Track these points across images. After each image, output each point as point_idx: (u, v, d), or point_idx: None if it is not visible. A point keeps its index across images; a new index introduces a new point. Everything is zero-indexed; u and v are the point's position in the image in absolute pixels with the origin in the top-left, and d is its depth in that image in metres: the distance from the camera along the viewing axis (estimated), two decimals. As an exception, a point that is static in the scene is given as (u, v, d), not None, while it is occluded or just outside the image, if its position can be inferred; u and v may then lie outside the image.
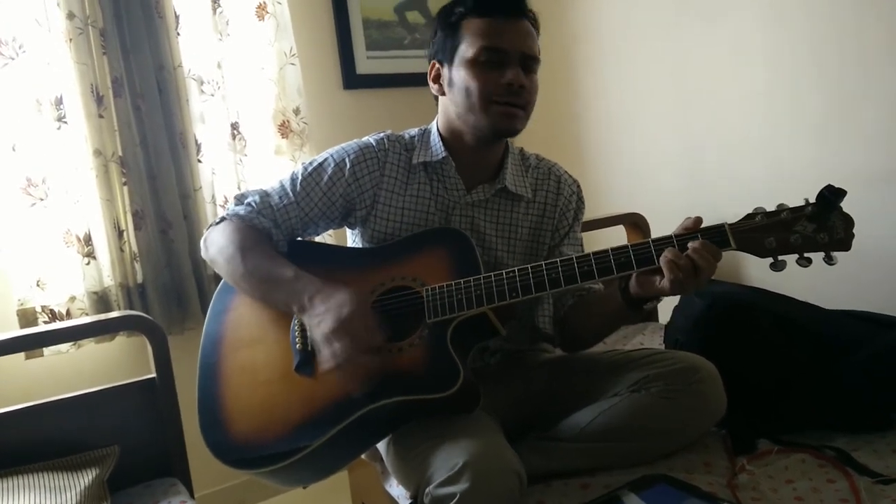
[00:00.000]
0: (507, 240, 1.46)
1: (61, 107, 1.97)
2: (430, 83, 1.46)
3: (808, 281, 1.31)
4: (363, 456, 1.58)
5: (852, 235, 1.13)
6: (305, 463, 1.17)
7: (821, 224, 1.14)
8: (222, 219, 1.41)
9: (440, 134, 1.45)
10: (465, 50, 1.35)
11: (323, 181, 1.42)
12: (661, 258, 1.16)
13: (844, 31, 1.83)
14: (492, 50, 1.33)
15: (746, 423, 1.42)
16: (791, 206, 1.17)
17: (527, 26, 1.37)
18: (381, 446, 1.40)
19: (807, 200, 1.15)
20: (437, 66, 1.43)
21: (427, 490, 1.14)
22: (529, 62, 1.37)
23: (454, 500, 1.08)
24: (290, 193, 1.42)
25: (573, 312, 1.47)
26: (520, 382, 1.49)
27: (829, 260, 1.14)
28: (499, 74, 1.33)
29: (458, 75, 1.37)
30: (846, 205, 1.13)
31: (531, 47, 1.37)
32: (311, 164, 1.45)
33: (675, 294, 1.19)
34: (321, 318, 1.20)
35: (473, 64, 1.34)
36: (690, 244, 1.16)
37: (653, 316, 2.27)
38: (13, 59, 1.91)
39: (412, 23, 2.76)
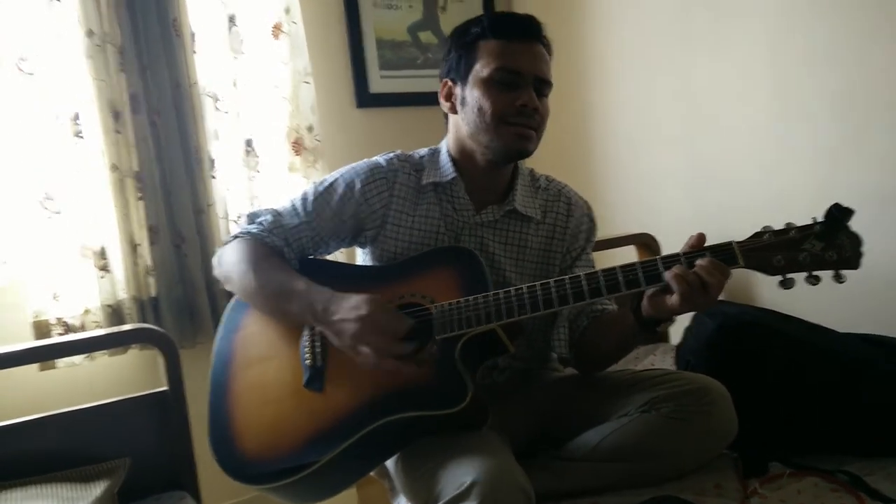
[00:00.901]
0: (515, 261, 1.47)
1: (79, 122, 2.00)
2: (442, 101, 1.47)
3: (818, 302, 1.31)
4: (371, 473, 1.58)
5: (861, 254, 1.13)
6: (314, 479, 1.17)
7: (829, 242, 1.14)
8: (235, 237, 1.43)
9: (450, 154, 1.46)
10: (480, 70, 1.37)
11: (334, 201, 1.44)
12: (668, 273, 1.16)
13: (851, 53, 1.84)
14: (507, 71, 1.35)
15: (758, 446, 1.41)
16: (799, 224, 1.17)
17: (541, 50, 1.39)
18: (390, 463, 1.40)
19: (815, 219, 1.16)
20: (450, 84, 1.44)
21: (435, 508, 1.14)
22: (542, 86, 1.38)
23: (462, 518, 1.08)
24: (302, 213, 1.43)
25: (588, 334, 1.46)
26: (529, 401, 1.48)
27: (838, 278, 1.14)
28: (513, 96, 1.34)
29: (472, 95, 1.38)
30: (855, 224, 1.13)
31: (545, 71, 1.38)
32: (321, 184, 1.47)
33: (684, 310, 1.18)
34: (340, 325, 1.21)
35: (488, 84, 1.36)
36: (698, 261, 1.16)
37: (664, 337, 2.26)
38: (32, 74, 1.95)
39: (425, 43, 2.78)
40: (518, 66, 1.35)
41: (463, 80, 1.40)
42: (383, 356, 1.19)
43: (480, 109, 1.36)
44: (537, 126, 1.38)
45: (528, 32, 1.38)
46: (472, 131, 1.40)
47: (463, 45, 1.41)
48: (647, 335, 1.31)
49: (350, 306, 1.22)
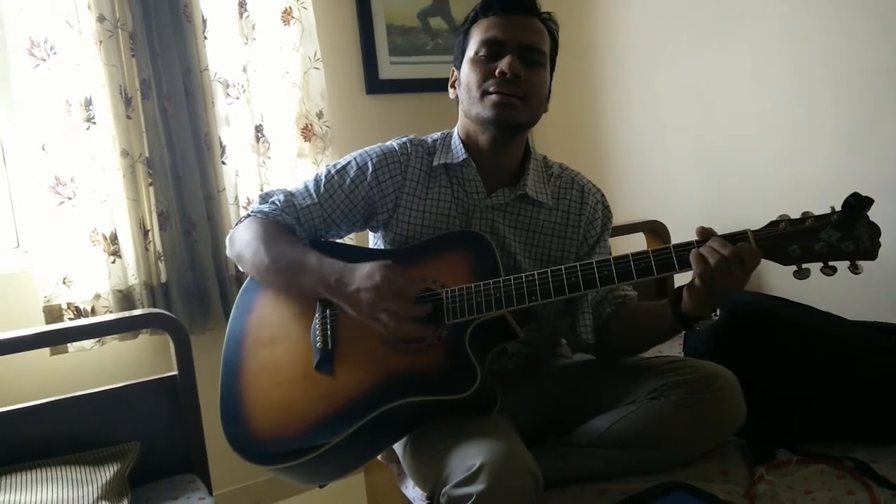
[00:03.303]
0: (525, 245, 1.47)
1: (90, 108, 2.01)
2: (449, 88, 1.50)
3: (830, 291, 1.30)
4: (379, 457, 1.59)
5: (879, 244, 1.11)
6: (323, 460, 1.18)
7: (846, 232, 1.11)
8: (247, 216, 1.44)
9: (460, 137, 1.47)
10: (470, 49, 1.41)
11: (346, 184, 1.44)
12: (692, 253, 1.16)
13: (866, 40, 1.82)
14: (489, 42, 1.37)
15: (765, 433, 1.41)
16: (816, 213, 1.15)
17: (530, 22, 1.39)
18: (398, 447, 1.41)
19: (832, 208, 1.14)
20: (455, 70, 1.48)
21: (443, 490, 1.15)
22: (530, 54, 1.38)
23: (470, 501, 1.08)
24: (314, 195, 1.44)
25: (613, 321, 1.45)
26: (537, 387, 1.49)
27: (854, 269, 1.12)
28: (494, 66, 1.36)
29: (463, 73, 1.42)
30: (872, 214, 1.12)
31: (531, 38, 1.38)
32: (334, 166, 1.48)
33: (709, 294, 1.16)
34: (357, 296, 1.23)
35: (474, 60, 1.39)
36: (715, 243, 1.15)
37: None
38: (44, 60, 1.95)
39: (435, 28, 2.78)
40: (499, 35, 1.37)
41: (459, 63, 1.44)
42: (401, 320, 1.21)
43: (468, 85, 1.40)
44: (523, 95, 1.37)
45: (514, 6, 1.39)
46: (466, 108, 1.43)
47: (462, 31, 1.45)
48: (686, 329, 1.30)
49: (364, 275, 1.24)
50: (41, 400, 1.53)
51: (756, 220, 1.19)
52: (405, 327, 1.22)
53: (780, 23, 2.01)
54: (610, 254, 1.53)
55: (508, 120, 1.37)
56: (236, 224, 1.46)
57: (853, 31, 1.84)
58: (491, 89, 1.36)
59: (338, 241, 1.53)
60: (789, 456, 1.36)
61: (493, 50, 1.37)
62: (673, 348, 1.99)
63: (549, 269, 1.26)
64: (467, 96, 1.41)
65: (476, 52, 1.39)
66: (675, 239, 2.34)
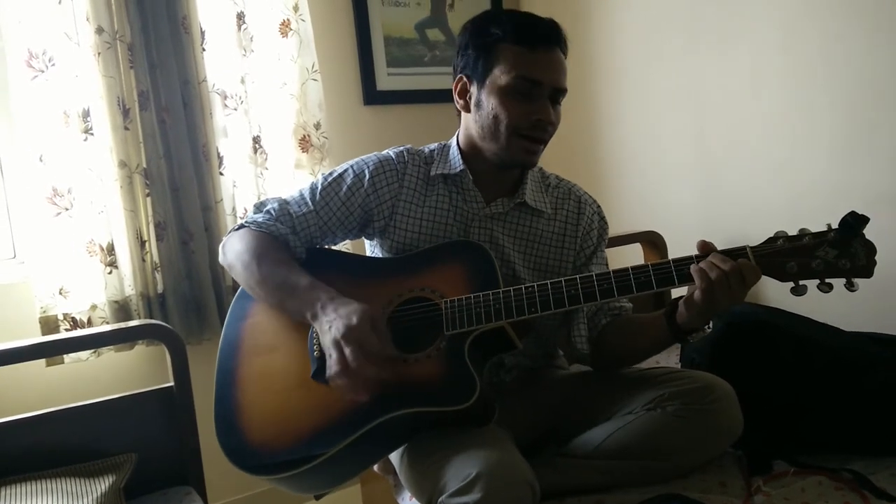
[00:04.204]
0: (524, 254, 1.47)
1: (88, 119, 2.01)
2: (456, 97, 1.45)
3: (825, 302, 1.30)
4: (376, 469, 1.58)
5: (874, 262, 1.13)
6: (320, 470, 1.17)
7: (843, 250, 1.14)
8: (241, 226, 1.43)
9: (460, 148, 1.47)
10: (499, 76, 1.35)
11: (342, 191, 1.44)
12: (693, 267, 1.18)
13: (865, 50, 1.83)
14: (527, 80, 1.33)
15: (763, 444, 1.41)
16: (813, 231, 1.17)
17: (561, 58, 1.37)
18: (395, 457, 1.41)
19: (829, 226, 1.15)
20: (465, 81, 1.42)
21: (440, 500, 1.14)
22: (558, 95, 1.38)
23: (467, 511, 1.08)
24: (310, 202, 1.44)
25: (608, 333, 1.46)
26: (535, 398, 1.49)
27: (850, 286, 1.14)
28: (530, 108, 1.34)
29: (489, 101, 1.37)
30: (870, 223, 1.13)
31: (563, 82, 1.38)
32: (330, 174, 1.47)
33: (706, 306, 1.18)
34: (331, 323, 1.20)
35: (506, 92, 1.34)
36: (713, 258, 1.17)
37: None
38: (43, 71, 1.96)
39: (432, 40, 2.79)
40: (538, 77, 1.33)
41: (480, 81, 1.38)
42: (352, 372, 1.15)
43: (496, 118, 1.36)
44: (548, 138, 1.39)
45: (550, 40, 1.35)
46: (483, 135, 1.40)
47: (482, 45, 1.37)
48: (679, 342, 1.31)
49: (348, 311, 1.19)
50: (36, 411, 1.53)
51: (754, 231, 1.20)
52: (354, 378, 1.16)
53: (777, 32, 2.02)
54: (606, 264, 1.54)
55: (528, 164, 1.41)
56: (229, 232, 1.45)
57: (851, 40, 1.85)
58: (524, 133, 1.35)
59: (335, 248, 1.53)
60: (787, 467, 1.36)
61: (528, 89, 1.34)
62: (670, 359, 1.99)
63: (548, 282, 1.26)
64: (491, 127, 1.37)
65: (508, 86, 1.34)
66: (672, 249, 2.35)
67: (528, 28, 1.35)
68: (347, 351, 1.15)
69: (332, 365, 1.17)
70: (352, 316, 1.18)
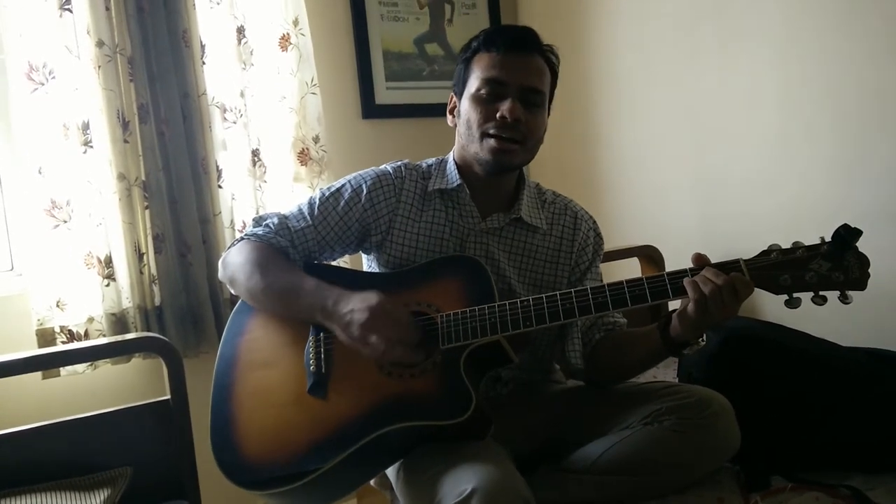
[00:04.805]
0: (519, 269, 1.47)
1: (88, 131, 2.02)
2: (448, 115, 1.51)
3: (823, 317, 1.31)
4: (373, 483, 1.57)
5: (868, 275, 1.14)
6: (315, 485, 1.17)
7: (836, 263, 1.14)
8: (240, 239, 1.44)
9: (456, 163, 1.48)
10: (471, 84, 1.41)
11: (340, 206, 1.45)
12: (686, 280, 1.19)
13: (860, 68, 1.84)
14: (491, 82, 1.37)
15: (760, 459, 1.41)
16: (807, 244, 1.17)
17: (534, 61, 1.40)
18: (391, 472, 1.40)
19: (822, 239, 1.16)
20: (454, 97, 1.48)
21: (436, 515, 1.14)
22: (530, 95, 1.39)
23: (462, 526, 1.07)
24: (308, 217, 1.45)
25: (602, 347, 1.46)
26: (531, 413, 1.48)
27: (843, 299, 1.14)
28: (495, 108, 1.37)
29: (464, 107, 1.42)
30: (862, 239, 1.13)
31: (532, 81, 1.39)
32: (328, 189, 1.48)
33: (700, 318, 1.19)
34: (350, 315, 1.23)
35: (475, 96, 1.40)
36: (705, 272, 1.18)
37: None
38: (43, 84, 1.97)
39: (431, 55, 2.80)
40: (502, 77, 1.37)
41: (460, 93, 1.45)
42: (392, 343, 1.21)
43: (468, 122, 1.40)
44: (522, 138, 1.39)
45: (517, 44, 1.39)
46: (465, 143, 1.44)
47: (464, 59, 1.45)
48: (673, 356, 1.32)
49: (359, 298, 1.25)
50: (32, 424, 1.52)
51: (752, 245, 1.21)
52: (395, 351, 1.22)
53: (774, 49, 2.03)
54: (601, 280, 1.54)
55: (505, 165, 1.41)
56: (229, 247, 1.46)
57: (848, 56, 1.86)
58: (491, 132, 1.37)
59: (332, 263, 1.53)
60: (784, 483, 1.35)
61: (494, 90, 1.37)
62: (667, 373, 1.98)
63: (544, 295, 1.26)
64: (466, 132, 1.42)
65: (477, 90, 1.39)
66: (670, 264, 2.34)
67: (498, 34, 1.41)
68: (379, 334, 1.20)
69: (376, 351, 1.21)
70: (369, 299, 1.23)
